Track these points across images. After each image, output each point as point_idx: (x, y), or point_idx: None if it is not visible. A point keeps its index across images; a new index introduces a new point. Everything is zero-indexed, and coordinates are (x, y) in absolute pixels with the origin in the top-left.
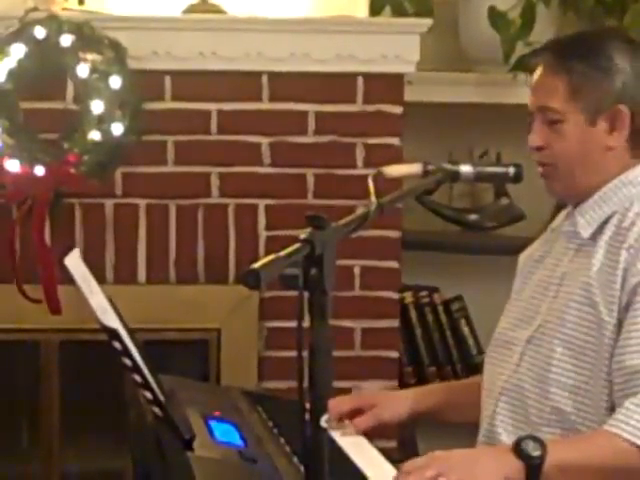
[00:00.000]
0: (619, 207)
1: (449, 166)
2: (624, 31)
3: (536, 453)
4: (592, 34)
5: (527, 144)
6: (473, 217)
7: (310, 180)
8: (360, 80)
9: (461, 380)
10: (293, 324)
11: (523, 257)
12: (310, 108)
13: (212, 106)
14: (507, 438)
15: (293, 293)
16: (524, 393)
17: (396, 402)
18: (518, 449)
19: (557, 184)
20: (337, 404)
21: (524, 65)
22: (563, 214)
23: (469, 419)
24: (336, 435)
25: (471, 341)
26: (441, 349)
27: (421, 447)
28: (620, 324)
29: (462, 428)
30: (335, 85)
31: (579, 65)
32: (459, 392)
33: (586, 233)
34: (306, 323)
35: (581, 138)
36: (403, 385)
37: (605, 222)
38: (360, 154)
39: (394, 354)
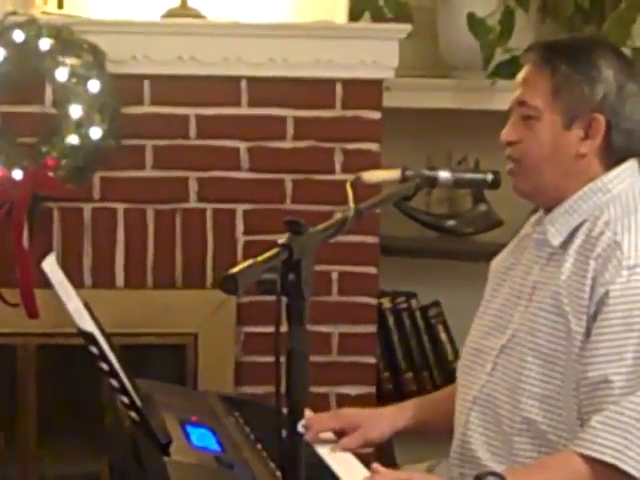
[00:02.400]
0: (589, 215)
1: (427, 172)
2: (617, 46)
3: None
4: (584, 40)
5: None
6: (451, 223)
7: (288, 185)
8: (339, 85)
9: (438, 392)
10: (270, 329)
11: (495, 264)
12: (289, 113)
13: (191, 111)
14: (479, 447)
15: (271, 298)
16: (496, 403)
17: (379, 421)
18: None
19: (523, 182)
20: (319, 423)
21: (503, 71)
22: (531, 221)
23: (448, 430)
24: (318, 447)
25: (448, 347)
26: (418, 355)
27: (398, 453)
28: (589, 333)
29: (437, 435)
30: (314, 90)
31: (564, 66)
32: (437, 405)
33: (556, 241)
34: (283, 328)
35: (553, 140)
36: (380, 390)
37: (575, 230)
38: (338, 159)
39: (371, 359)
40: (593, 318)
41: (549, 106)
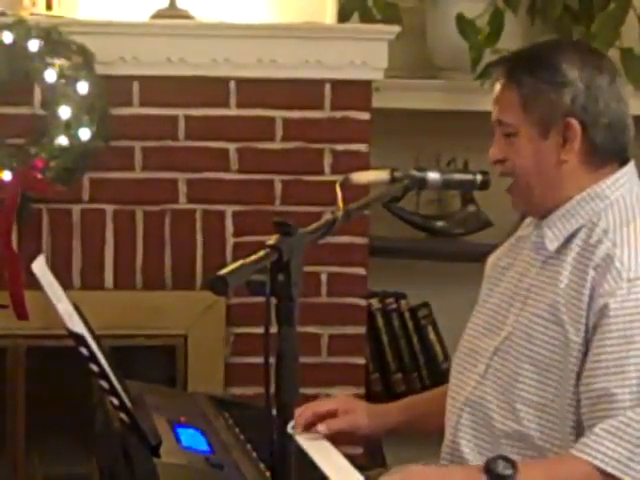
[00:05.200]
0: (586, 221)
1: (416, 173)
2: (579, 42)
3: (507, 472)
4: (543, 47)
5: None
6: (440, 224)
7: (277, 186)
8: (328, 86)
9: (427, 392)
10: (260, 330)
11: (490, 262)
12: (278, 114)
13: (180, 112)
14: (469, 450)
15: (260, 299)
16: (488, 406)
17: (373, 414)
18: (489, 468)
19: (519, 199)
20: (315, 405)
21: (491, 73)
22: (528, 221)
23: (438, 430)
24: (301, 440)
25: (437, 348)
26: (408, 356)
27: (387, 453)
28: (587, 344)
29: (428, 435)
30: (303, 91)
31: (528, 78)
32: (426, 407)
33: (552, 246)
34: (273, 329)
35: (534, 151)
36: (370, 391)
37: (572, 236)
38: (328, 160)
39: (361, 360)
40: (593, 329)
41: (522, 120)
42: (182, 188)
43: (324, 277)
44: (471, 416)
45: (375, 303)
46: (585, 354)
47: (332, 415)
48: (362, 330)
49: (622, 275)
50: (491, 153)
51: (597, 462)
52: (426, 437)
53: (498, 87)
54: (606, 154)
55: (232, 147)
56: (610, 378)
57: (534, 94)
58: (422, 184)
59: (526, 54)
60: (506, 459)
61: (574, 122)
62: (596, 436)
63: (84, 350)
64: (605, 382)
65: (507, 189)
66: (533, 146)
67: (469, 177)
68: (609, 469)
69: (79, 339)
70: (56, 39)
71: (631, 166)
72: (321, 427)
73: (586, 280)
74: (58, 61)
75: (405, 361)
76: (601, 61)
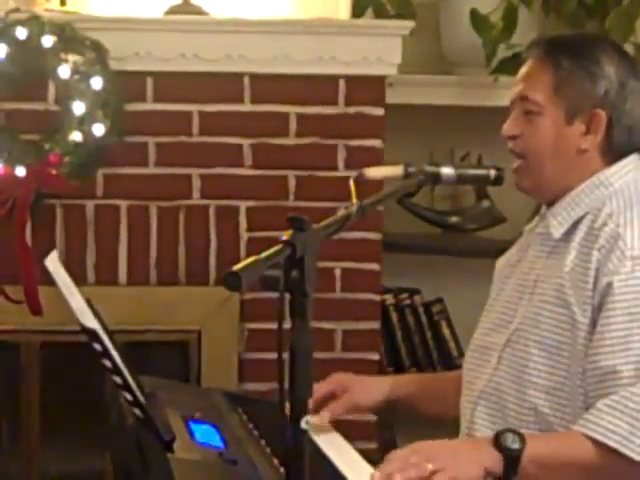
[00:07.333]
0: (591, 208)
1: (430, 168)
2: (617, 43)
3: (515, 446)
4: (586, 37)
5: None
6: (454, 219)
7: (291, 182)
8: (342, 82)
9: (440, 373)
10: (274, 326)
11: (499, 264)
12: (292, 110)
13: (194, 107)
14: None
15: (274, 295)
16: (502, 396)
17: (370, 387)
18: (497, 441)
19: (526, 179)
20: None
21: (505, 68)
22: (537, 219)
23: (443, 410)
24: (314, 435)
25: (452, 343)
26: (422, 351)
27: (401, 446)
28: (594, 324)
29: (442, 429)
30: (317, 87)
31: (567, 62)
32: (434, 383)
33: (558, 233)
34: (287, 325)
35: (555, 134)
36: None
37: (577, 223)
38: (341, 156)
39: (375, 356)
40: (598, 309)
41: (551, 101)
42: (196, 183)
43: (338, 272)
44: (486, 408)
45: (389, 298)
46: (593, 334)
47: (331, 397)
48: (376, 325)
49: (626, 254)
50: (506, 128)
51: (598, 436)
52: (440, 428)
53: (531, 64)
54: (618, 154)
55: (246, 143)
56: (615, 355)
57: (570, 78)
58: (436, 179)
59: (568, 39)
60: (514, 432)
61: (602, 114)
62: (598, 411)
63: (97, 346)
64: (610, 359)
65: (514, 169)
66: (555, 129)
67: (483, 172)
68: (610, 443)
69: (92, 335)
70: (70, 35)
71: (635, 156)
72: (324, 415)
73: (591, 261)
74: (72, 57)
75: (419, 356)
76: (635, 66)
